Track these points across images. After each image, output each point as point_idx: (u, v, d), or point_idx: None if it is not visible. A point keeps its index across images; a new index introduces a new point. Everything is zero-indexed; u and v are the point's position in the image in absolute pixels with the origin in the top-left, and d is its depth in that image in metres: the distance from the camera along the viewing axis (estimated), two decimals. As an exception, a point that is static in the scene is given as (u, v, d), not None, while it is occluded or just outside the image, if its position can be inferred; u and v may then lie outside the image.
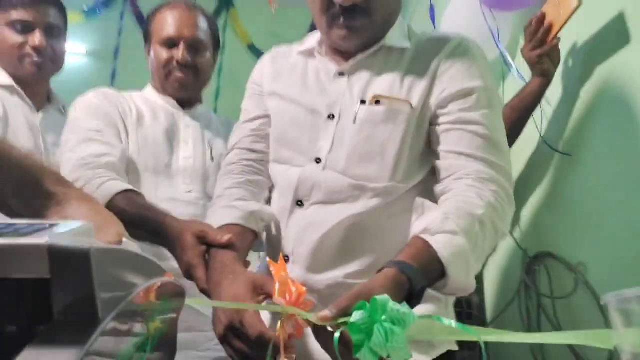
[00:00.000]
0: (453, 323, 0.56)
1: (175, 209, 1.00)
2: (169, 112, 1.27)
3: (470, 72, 0.89)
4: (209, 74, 1.33)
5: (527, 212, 1.45)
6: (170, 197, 1.15)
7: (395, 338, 0.53)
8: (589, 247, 1.20)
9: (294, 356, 0.62)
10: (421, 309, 0.75)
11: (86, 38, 2.96)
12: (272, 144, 0.98)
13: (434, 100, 0.88)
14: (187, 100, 1.30)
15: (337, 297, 0.62)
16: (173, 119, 1.26)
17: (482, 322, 1.46)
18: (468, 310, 1.44)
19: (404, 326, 0.54)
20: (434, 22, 1.75)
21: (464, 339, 0.60)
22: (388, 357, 0.54)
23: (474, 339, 0.55)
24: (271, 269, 0.67)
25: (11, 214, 0.60)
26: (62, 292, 0.29)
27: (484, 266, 1.57)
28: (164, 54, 1.25)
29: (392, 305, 0.55)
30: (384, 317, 0.54)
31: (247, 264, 0.86)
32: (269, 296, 0.70)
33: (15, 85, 1.32)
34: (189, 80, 1.27)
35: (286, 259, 0.87)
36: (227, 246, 0.82)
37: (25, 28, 1.31)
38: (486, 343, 0.55)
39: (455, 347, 0.87)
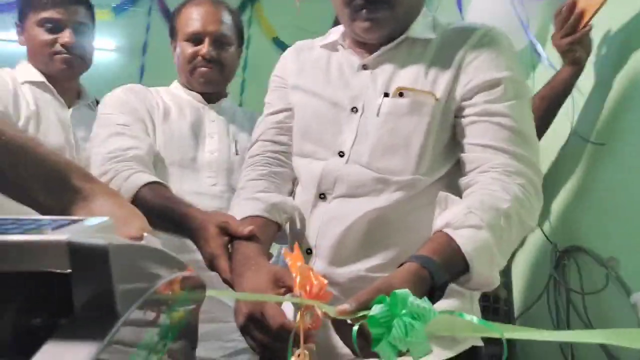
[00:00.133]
0: (475, 319, 0.55)
1: (200, 202, 1.01)
2: (194, 106, 1.29)
3: (496, 62, 0.87)
4: (233, 68, 1.34)
5: (557, 205, 1.41)
6: (196, 190, 1.17)
7: (415, 333, 0.53)
8: (621, 241, 1.17)
9: (313, 346, 0.63)
10: (444, 304, 0.75)
11: (115, 35, 3.01)
12: (295, 138, 0.98)
13: (459, 92, 0.87)
14: (212, 95, 1.32)
15: (359, 290, 0.62)
16: (198, 113, 1.28)
17: (509, 317, 1.44)
18: (495, 305, 1.42)
19: (424, 321, 0.54)
20: (461, 11, 1.72)
21: (486, 335, 0.59)
22: (407, 351, 0.54)
23: (497, 335, 0.54)
24: (287, 259, 0.67)
25: (41, 210, 0.62)
26: (81, 287, 0.30)
27: (511, 260, 1.54)
28: (189, 49, 1.27)
29: (413, 299, 0.55)
30: (404, 312, 0.54)
31: (269, 255, 0.87)
32: (290, 289, 0.70)
33: (47, 82, 1.36)
34: (214, 75, 1.28)
35: (308, 251, 0.88)
36: (249, 238, 0.83)
37: (55, 27, 1.34)
38: (515, 339, 0.54)
39: (480, 343, 0.86)
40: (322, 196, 0.89)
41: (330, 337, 0.80)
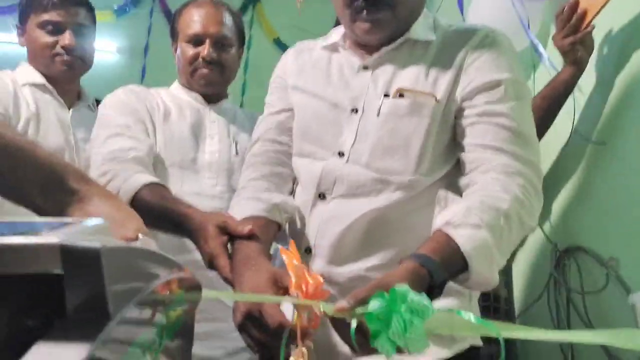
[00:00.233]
0: (472, 318, 0.55)
1: (200, 203, 1.01)
2: (194, 107, 1.29)
3: (497, 63, 0.87)
4: (234, 69, 1.34)
5: (557, 205, 1.41)
6: (196, 191, 1.17)
7: (414, 329, 0.53)
8: (621, 241, 1.16)
9: (311, 344, 0.63)
10: (443, 303, 0.75)
11: (116, 36, 3.02)
12: (295, 138, 0.98)
13: (459, 93, 0.87)
14: (213, 96, 1.32)
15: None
16: (199, 114, 1.28)
17: (509, 317, 1.44)
18: (495, 304, 1.42)
19: (423, 317, 0.54)
20: (462, 12, 1.72)
21: (484, 335, 0.59)
22: (406, 347, 0.54)
23: (494, 334, 0.54)
24: (283, 257, 0.67)
25: (38, 211, 0.62)
26: (74, 289, 0.30)
27: (512, 259, 1.54)
28: (189, 51, 1.27)
29: (412, 295, 0.55)
30: (403, 308, 0.54)
31: (270, 256, 0.87)
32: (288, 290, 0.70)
33: (47, 84, 1.36)
34: (215, 76, 1.28)
35: (308, 251, 0.88)
36: (249, 237, 0.83)
37: (56, 29, 1.35)
38: (516, 338, 0.54)
39: (479, 342, 0.86)
40: (321, 196, 0.89)
41: (330, 336, 0.79)
